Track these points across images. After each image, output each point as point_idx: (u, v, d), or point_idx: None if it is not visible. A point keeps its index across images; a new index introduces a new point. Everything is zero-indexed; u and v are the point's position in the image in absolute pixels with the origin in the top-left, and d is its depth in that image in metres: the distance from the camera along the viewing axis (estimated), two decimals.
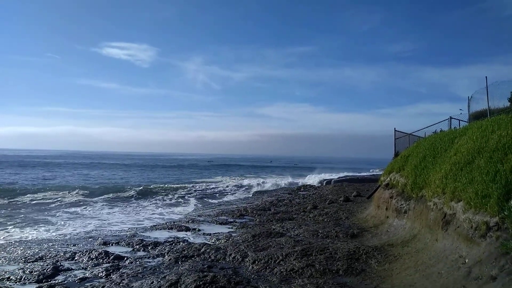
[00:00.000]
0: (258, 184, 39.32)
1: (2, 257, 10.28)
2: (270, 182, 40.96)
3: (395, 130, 19.40)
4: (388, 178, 14.63)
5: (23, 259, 10.03)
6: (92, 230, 16.20)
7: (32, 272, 8.80)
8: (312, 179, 43.99)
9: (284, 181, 43.63)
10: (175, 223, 15.94)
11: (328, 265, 8.78)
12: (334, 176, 46.63)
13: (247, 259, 9.73)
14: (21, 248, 11.59)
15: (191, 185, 37.35)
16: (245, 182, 41.77)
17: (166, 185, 36.37)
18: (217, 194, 31.72)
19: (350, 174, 51.19)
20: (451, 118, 16.41)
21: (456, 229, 7.50)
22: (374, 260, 8.95)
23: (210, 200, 28.55)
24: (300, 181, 43.60)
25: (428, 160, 11.53)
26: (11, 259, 10.12)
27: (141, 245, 11.74)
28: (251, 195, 31.67)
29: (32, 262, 9.75)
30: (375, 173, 48.76)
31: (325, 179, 42.00)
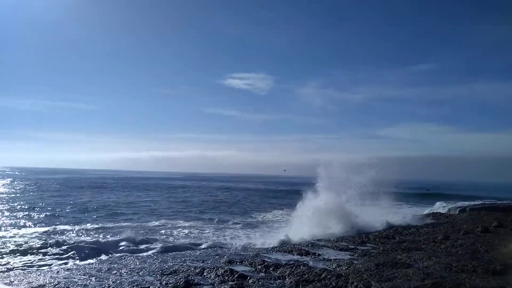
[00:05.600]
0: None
1: (144, 268, 11.55)
2: (396, 210, 38.46)
3: None
4: None
5: (160, 271, 11.13)
6: (218, 248, 17.26)
7: (167, 284, 9.70)
8: (443, 206, 39.98)
9: (410, 208, 40.60)
10: (295, 246, 16.00)
11: None
12: (469, 203, 41.72)
13: None
14: (159, 261, 12.90)
15: None
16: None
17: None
18: None
19: (488, 201, 45.28)
20: None
21: None
22: None
23: None
24: (429, 208, 40.04)
25: None
26: (151, 270, 11.31)
27: (262, 265, 12.03)
28: None
29: (167, 275, 10.74)
30: None
31: (458, 207, 37.81)
